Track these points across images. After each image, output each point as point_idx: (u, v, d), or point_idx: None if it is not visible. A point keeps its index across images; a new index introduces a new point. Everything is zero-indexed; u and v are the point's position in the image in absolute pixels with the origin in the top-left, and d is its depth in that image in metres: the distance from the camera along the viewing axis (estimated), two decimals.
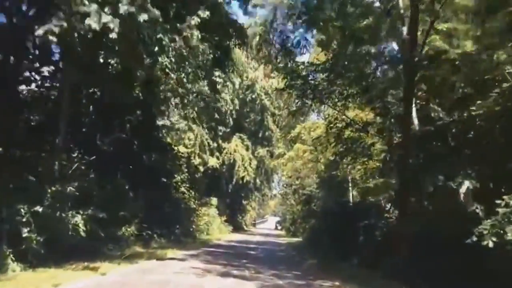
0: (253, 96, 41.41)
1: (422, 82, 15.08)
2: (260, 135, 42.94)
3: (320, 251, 21.79)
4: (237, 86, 41.71)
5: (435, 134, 13.39)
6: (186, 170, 39.39)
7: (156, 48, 10.35)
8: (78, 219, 10.81)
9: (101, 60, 10.97)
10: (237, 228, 53.80)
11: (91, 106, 19.31)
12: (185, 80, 11.14)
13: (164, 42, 10.02)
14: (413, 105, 15.32)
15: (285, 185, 53.93)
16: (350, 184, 31.49)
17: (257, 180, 43.69)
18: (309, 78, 19.27)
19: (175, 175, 26.30)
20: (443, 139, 12.97)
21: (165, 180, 24.55)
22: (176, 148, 31.58)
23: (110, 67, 10.88)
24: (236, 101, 41.59)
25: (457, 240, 10.28)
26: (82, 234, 10.90)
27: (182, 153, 39.06)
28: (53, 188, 10.82)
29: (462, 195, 11.74)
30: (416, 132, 14.04)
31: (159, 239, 20.82)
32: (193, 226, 28.51)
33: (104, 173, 16.74)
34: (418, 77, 14.05)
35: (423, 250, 11.83)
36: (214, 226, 38.72)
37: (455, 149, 12.42)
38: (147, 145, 21.36)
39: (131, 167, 20.06)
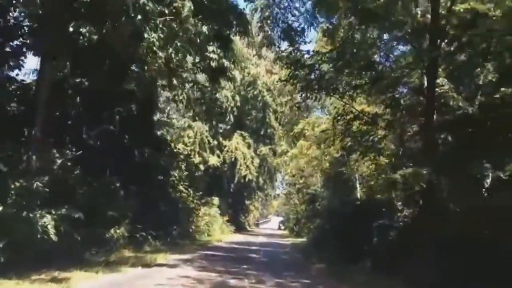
0: (255, 93, 39.67)
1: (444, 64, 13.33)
2: (262, 132, 41.18)
3: (326, 252, 20.04)
4: (238, 83, 40.00)
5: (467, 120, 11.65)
6: (185, 168, 37.79)
7: (140, 17, 8.63)
8: (48, 220, 9.05)
9: (71, 29, 9.24)
10: (240, 228, 52.06)
11: (78, 97, 17.65)
12: (174, 56, 9.38)
13: (148, 8, 8.32)
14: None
15: (288, 184, 52.21)
16: (357, 182, 29.76)
17: (260, 179, 41.94)
18: (315, 68, 17.56)
19: (172, 173, 24.59)
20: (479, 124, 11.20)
21: (161, 177, 22.85)
22: (173, 144, 29.93)
23: (82, 37, 9.18)
24: (237, 98, 39.88)
25: (496, 243, 8.56)
26: (53, 237, 9.15)
27: (181, 150, 37.53)
28: (18, 184, 9.08)
29: None
30: (441, 119, 12.29)
31: (154, 242, 19.10)
32: (192, 227, 26.79)
33: (92, 168, 15.07)
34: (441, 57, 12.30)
35: (453, 254, 10.10)
36: (215, 227, 37.03)
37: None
38: (140, 140, 19.67)
39: (122, 163, 18.34)
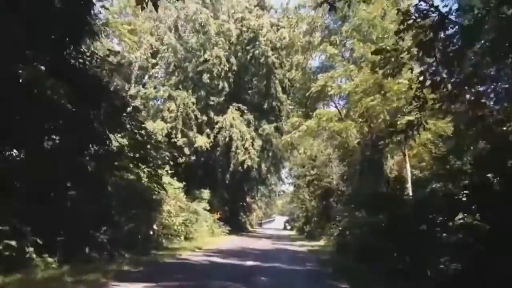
0: (256, 53, 29.43)
1: None
2: (265, 106, 31.04)
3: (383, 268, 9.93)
4: (234, 38, 29.81)
5: None
6: (164, 152, 27.78)
7: None
8: None
9: None
10: (239, 228, 41.85)
11: None
12: None
13: None
14: None
15: (297, 177, 41.84)
16: (408, 170, 19.77)
17: (263, 166, 31.61)
18: None
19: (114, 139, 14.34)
20: None
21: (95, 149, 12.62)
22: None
23: None
24: (233, 60, 29.67)
25: None
26: None
27: (155, 129, 27.53)
28: None
29: None
30: None
31: (42, 258, 8.97)
32: (154, 228, 16.52)
33: None
34: None
35: None
36: (202, 227, 26.89)
37: None
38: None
39: None
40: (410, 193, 17.43)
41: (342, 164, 36.74)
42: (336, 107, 26.77)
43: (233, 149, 29.09)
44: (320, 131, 24.27)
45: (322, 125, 24.03)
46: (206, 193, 31.40)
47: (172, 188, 24.36)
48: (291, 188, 58.67)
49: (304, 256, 17.51)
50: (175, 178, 24.15)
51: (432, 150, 19.43)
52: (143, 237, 15.17)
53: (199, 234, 24.75)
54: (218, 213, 29.05)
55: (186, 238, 20.68)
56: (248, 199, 55.12)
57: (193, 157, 35.91)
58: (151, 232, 16.11)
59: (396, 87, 17.09)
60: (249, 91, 32.25)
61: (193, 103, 29.38)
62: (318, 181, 38.84)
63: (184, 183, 25.88)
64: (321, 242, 26.62)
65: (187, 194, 31.12)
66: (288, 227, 70.33)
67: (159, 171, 16.12)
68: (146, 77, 33.03)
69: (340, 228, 19.90)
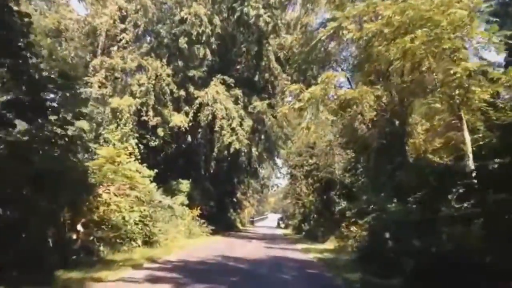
0: (245, 11, 23.19)
1: None
2: (256, 78, 24.88)
3: None
4: None
5: None
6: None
7: None
8: None
9: None
10: (228, 227, 35.70)
11: None
12: None
13: None
14: None
15: (293, 167, 35.65)
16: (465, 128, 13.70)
17: (254, 151, 25.26)
18: None
19: None
20: None
21: None
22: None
23: None
24: (216, 20, 23.40)
25: None
26: None
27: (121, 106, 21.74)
28: None
29: None
30: None
31: None
32: (79, 229, 10.26)
33: None
34: None
35: None
36: (177, 226, 20.78)
37: None
38: None
39: None
40: (472, 167, 11.29)
41: (345, 152, 31.01)
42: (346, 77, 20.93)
43: (217, 128, 22.86)
44: (327, 102, 18.16)
45: (330, 92, 18.02)
46: (185, 185, 25.23)
47: (140, 177, 18.46)
48: (285, 183, 52.59)
49: (319, 274, 11.06)
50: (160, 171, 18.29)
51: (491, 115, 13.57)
52: (55, 245, 8.97)
53: (171, 235, 18.64)
54: (198, 209, 22.80)
55: (146, 243, 14.48)
56: (238, 195, 48.93)
57: (174, 146, 29.93)
58: (74, 236, 9.90)
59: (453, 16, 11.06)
60: (237, 61, 25.97)
61: (168, 75, 23.13)
62: (317, 171, 32.83)
63: (155, 170, 19.95)
64: (328, 245, 20.55)
65: (163, 185, 25.07)
66: (282, 225, 64.18)
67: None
68: (115, 48, 26.71)
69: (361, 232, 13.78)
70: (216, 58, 24.41)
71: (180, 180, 25.36)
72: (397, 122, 19.33)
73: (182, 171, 26.94)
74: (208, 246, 17.33)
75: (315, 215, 35.15)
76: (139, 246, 13.87)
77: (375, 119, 18.21)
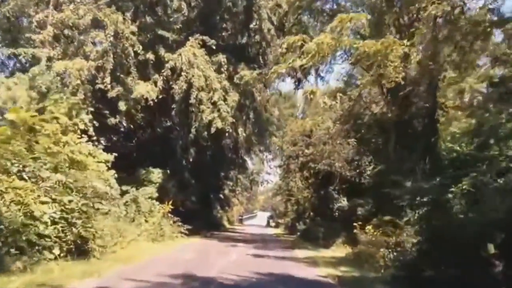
0: None
1: None
2: (243, 41, 19.58)
3: None
4: None
5: None
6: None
7: None
8: None
9: None
10: (212, 226, 30.38)
11: None
12: None
13: None
14: None
15: (287, 158, 30.39)
16: None
17: (241, 132, 19.72)
18: None
19: None
20: None
21: None
22: None
23: None
24: None
25: None
26: None
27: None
28: None
29: None
30: None
31: None
32: None
33: None
34: None
35: None
36: (140, 226, 15.61)
37: None
38: None
39: None
40: None
41: (346, 141, 26.29)
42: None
43: (193, 100, 17.58)
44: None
45: (343, 44, 13.01)
46: (156, 174, 19.92)
47: (95, 162, 13.39)
48: (276, 180, 47.41)
49: None
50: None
51: None
52: None
53: (130, 238, 13.45)
54: (169, 203, 17.45)
55: (73, 252, 9.16)
56: (227, 192, 43.64)
57: (148, 130, 24.72)
58: None
59: None
60: (221, 21, 20.59)
61: (133, 33, 17.79)
62: (314, 163, 27.77)
63: (114, 154, 14.85)
64: (336, 251, 15.50)
65: (128, 175, 19.76)
66: (272, 224, 59.01)
67: None
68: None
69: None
70: (195, 13, 19.11)
71: (151, 168, 20.05)
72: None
73: (158, 160, 21.66)
74: (173, 256, 12.04)
75: (311, 213, 30.16)
76: (57, 257, 8.60)
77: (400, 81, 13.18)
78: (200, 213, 27.58)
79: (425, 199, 9.05)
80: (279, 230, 42.51)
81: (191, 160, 24.37)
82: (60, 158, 11.49)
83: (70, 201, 9.29)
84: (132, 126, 25.69)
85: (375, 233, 14.00)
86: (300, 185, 30.12)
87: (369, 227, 14.37)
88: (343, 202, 25.51)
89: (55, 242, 8.70)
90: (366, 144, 22.23)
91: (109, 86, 17.25)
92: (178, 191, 22.33)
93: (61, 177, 9.62)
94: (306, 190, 31.13)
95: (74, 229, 9.15)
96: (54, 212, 8.90)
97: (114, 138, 25.77)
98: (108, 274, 7.76)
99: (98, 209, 10.73)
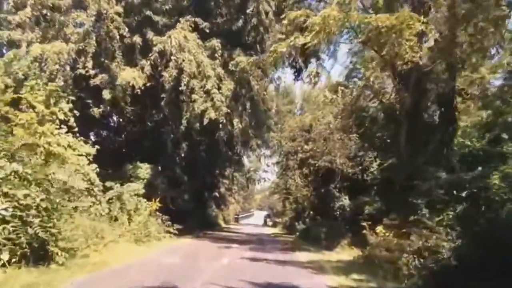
0: None
1: None
2: (239, 24, 17.88)
3: None
4: None
5: None
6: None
7: None
8: None
9: None
10: (207, 225, 28.67)
11: None
12: None
13: None
14: None
15: (285, 154, 28.68)
16: None
17: (236, 124, 17.92)
18: None
19: None
20: None
21: None
22: None
23: None
24: None
25: None
26: None
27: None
28: None
29: None
30: None
31: None
32: None
33: None
34: None
35: None
36: (119, 225, 13.93)
37: None
38: None
39: None
40: None
41: (348, 137, 24.73)
42: None
43: (183, 87, 15.88)
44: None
45: (353, 18, 11.35)
46: (144, 169, 18.21)
47: (75, 155, 11.84)
48: (273, 178, 45.67)
49: None
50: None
51: None
52: None
53: (109, 239, 11.74)
54: (156, 201, 15.70)
55: (28, 257, 7.45)
56: (222, 190, 41.88)
57: (138, 125, 23.02)
58: None
59: None
60: (214, 5, 18.83)
61: (118, 14, 16.10)
62: (314, 159, 26.11)
63: (96, 147, 13.27)
64: (342, 253, 13.84)
65: (115, 171, 18.13)
66: (269, 223, 57.30)
67: None
68: None
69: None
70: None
71: (138, 163, 18.33)
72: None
73: (149, 155, 19.96)
74: (155, 260, 10.33)
75: (310, 212, 28.53)
76: (5, 264, 6.89)
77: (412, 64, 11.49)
78: (193, 211, 25.89)
79: (463, 194, 7.39)
80: (276, 230, 40.83)
81: (183, 155, 22.69)
82: (36, 150, 9.94)
83: (25, 196, 7.59)
84: (121, 120, 24.06)
85: (386, 234, 12.38)
86: (299, 182, 28.39)
87: (380, 227, 12.75)
88: (345, 200, 24.02)
89: (4, 245, 7.02)
90: (370, 139, 20.58)
91: (91, 72, 15.56)
92: (170, 188, 20.65)
93: (18, 167, 7.91)
94: (306, 188, 29.50)
95: (29, 230, 7.44)
96: (5, 209, 7.22)
97: (104, 133, 24.15)
98: (62, 286, 6.04)
99: (64, 206, 9.00)
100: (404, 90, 14.17)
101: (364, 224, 12.75)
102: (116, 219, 14.24)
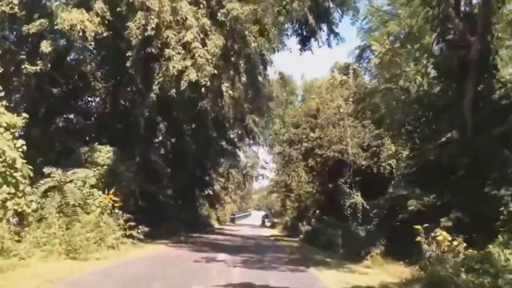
0: None
1: None
2: None
3: None
4: None
5: None
6: None
7: None
8: None
9: None
10: (195, 226, 23.78)
11: None
12: None
13: None
14: None
15: (288, 142, 23.79)
16: None
17: (225, 89, 13.03)
18: None
19: None
20: None
21: None
22: None
23: None
24: None
25: None
26: None
27: None
28: None
29: None
30: None
31: None
32: None
33: None
34: None
35: None
36: (48, 229, 9.07)
37: None
38: None
39: None
40: None
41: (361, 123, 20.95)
42: None
43: (155, 42, 11.14)
44: None
45: None
46: (104, 153, 13.35)
47: None
48: (272, 175, 41.02)
49: None
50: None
51: None
52: None
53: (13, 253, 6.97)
54: (110, 195, 10.84)
55: None
56: (217, 188, 37.06)
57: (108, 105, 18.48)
58: None
59: None
60: None
61: None
62: (321, 149, 21.57)
63: (25, 115, 8.36)
64: (377, 269, 9.13)
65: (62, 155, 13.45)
66: (268, 224, 52.46)
67: None
68: None
69: None
70: None
71: (96, 145, 13.51)
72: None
73: (121, 141, 15.22)
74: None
75: (317, 211, 23.90)
76: None
77: None
78: (177, 210, 21.17)
79: None
80: (276, 231, 36.02)
81: (166, 142, 17.92)
82: None
83: None
84: (89, 99, 19.51)
85: (454, 243, 7.76)
86: (303, 175, 23.69)
87: (441, 232, 8.12)
88: (357, 197, 19.87)
89: None
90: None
91: (20, 13, 10.80)
92: (144, 180, 15.96)
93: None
94: (310, 183, 24.92)
95: None
96: None
97: (71, 117, 19.51)
98: None
99: None
100: (469, 32, 9.49)
101: (418, 227, 8.08)
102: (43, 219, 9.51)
